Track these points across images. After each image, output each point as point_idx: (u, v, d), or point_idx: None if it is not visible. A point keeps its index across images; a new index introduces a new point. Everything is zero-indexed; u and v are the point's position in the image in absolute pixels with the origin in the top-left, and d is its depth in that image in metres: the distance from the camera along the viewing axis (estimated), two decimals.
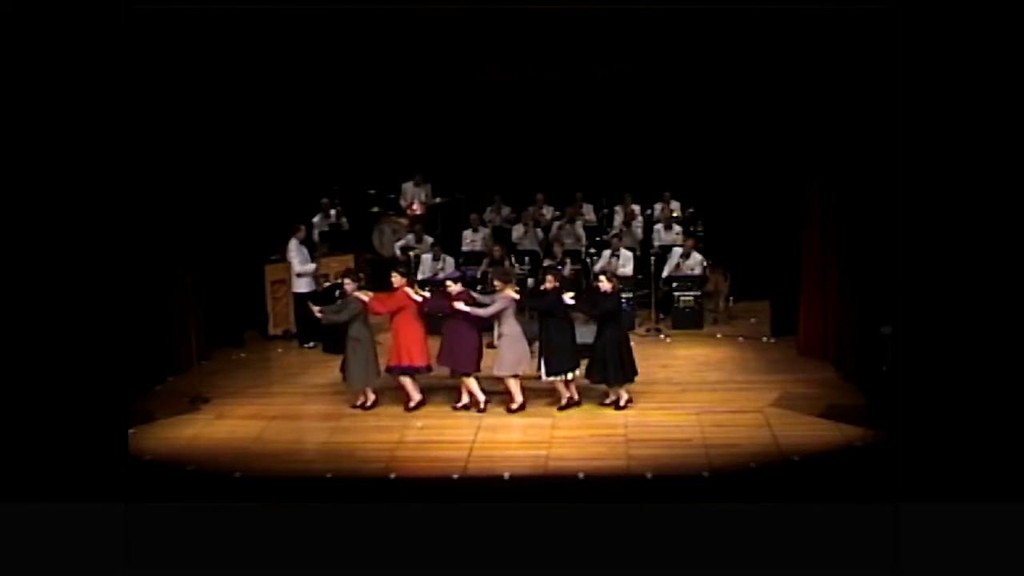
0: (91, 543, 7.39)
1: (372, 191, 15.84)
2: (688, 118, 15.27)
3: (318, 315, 10.79)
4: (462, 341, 10.40)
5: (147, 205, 10.94)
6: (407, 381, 10.57)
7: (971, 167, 7.62)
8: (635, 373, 10.50)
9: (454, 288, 10.52)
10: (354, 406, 10.69)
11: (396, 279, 10.60)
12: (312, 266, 13.15)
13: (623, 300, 11.38)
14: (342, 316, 10.50)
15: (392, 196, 15.75)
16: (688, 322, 13.42)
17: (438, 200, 15.66)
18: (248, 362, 12.67)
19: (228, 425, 10.38)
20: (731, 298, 14.13)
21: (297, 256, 13.04)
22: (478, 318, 10.35)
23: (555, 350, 10.29)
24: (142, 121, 10.24)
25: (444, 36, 12.07)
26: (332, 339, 12.66)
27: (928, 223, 7.67)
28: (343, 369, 10.68)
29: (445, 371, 10.66)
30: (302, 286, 13.12)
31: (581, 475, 8.87)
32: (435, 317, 10.97)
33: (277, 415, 10.61)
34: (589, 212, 15.23)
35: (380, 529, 7.78)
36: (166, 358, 11.72)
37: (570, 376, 10.39)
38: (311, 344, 13.05)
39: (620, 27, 11.78)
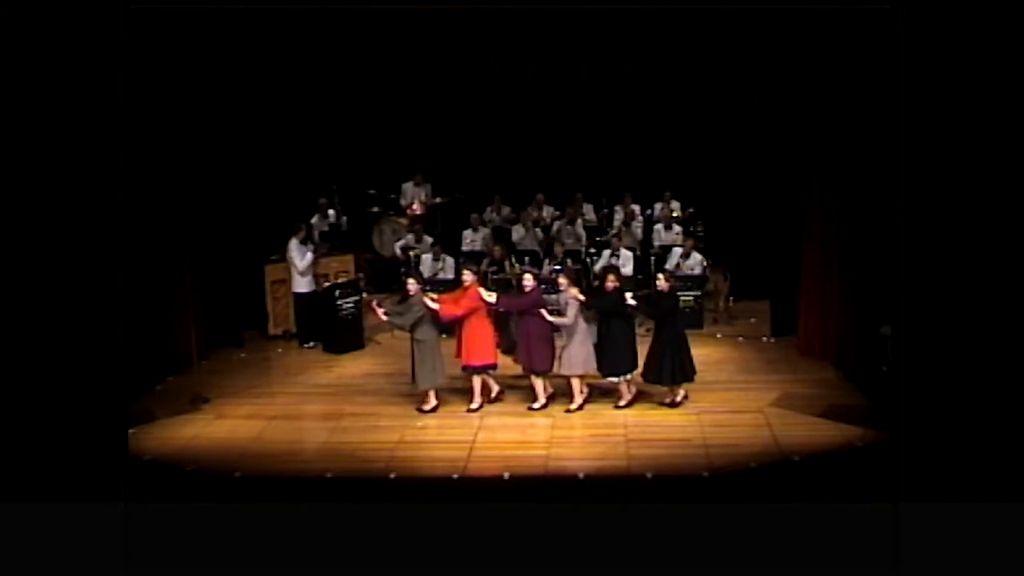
0: (91, 543, 7.39)
1: (372, 191, 15.83)
2: (688, 119, 15.26)
3: (383, 317, 10.72)
4: (539, 340, 10.33)
5: (147, 205, 10.93)
6: (479, 380, 10.51)
7: (971, 167, 7.62)
8: (694, 372, 10.49)
9: (529, 284, 10.42)
10: (419, 409, 10.53)
11: (467, 277, 10.47)
12: (309, 258, 13.06)
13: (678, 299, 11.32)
14: (406, 319, 10.39)
15: (392, 196, 15.75)
16: (688, 322, 13.37)
17: (438, 200, 15.65)
18: (248, 362, 12.65)
19: (228, 425, 10.38)
20: (731, 298, 14.12)
21: (297, 256, 13.03)
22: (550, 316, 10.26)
23: (616, 350, 10.28)
24: (142, 121, 10.23)
25: (444, 36, 12.08)
26: (332, 339, 12.70)
27: (928, 223, 7.66)
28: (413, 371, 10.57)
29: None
30: (302, 286, 13.11)
31: (581, 475, 8.88)
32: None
33: (277, 415, 10.61)
34: (589, 212, 15.22)
35: (380, 529, 7.78)
36: (166, 358, 11.72)
37: (629, 376, 10.40)
38: (311, 344, 13.05)
39: (620, 27, 11.78)
